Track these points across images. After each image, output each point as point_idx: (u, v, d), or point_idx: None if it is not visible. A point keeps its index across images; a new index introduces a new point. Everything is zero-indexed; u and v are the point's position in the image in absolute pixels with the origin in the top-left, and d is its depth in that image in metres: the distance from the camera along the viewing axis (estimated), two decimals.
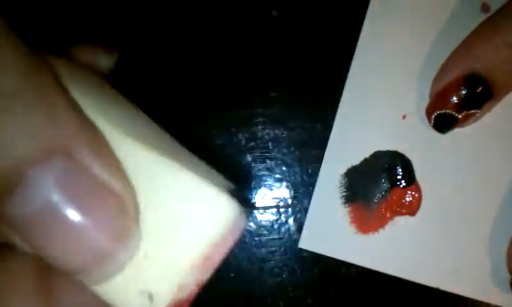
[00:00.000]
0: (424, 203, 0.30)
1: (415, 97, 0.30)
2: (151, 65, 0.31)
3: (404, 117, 0.30)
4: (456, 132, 0.29)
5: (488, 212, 0.29)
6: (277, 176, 0.32)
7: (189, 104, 0.31)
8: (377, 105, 0.30)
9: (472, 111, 0.27)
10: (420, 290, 0.30)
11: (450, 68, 0.28)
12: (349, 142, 0.30)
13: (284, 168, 0.32)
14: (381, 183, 0.30)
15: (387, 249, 0.30)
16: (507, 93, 0.28)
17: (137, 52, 0.31)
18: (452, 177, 0.30)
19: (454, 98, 0.27)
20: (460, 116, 0.27)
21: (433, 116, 0.28)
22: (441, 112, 0.28)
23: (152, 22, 0.31)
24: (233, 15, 0.31)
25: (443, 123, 0.28)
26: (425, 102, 0.30)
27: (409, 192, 0.30)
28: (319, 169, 0.31)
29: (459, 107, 0.27)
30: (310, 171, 0.31)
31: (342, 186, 0.30)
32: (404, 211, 0.30)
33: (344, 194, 0.30)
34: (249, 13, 0.31)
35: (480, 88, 0.26)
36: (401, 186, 0.30)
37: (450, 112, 0.27)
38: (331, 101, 0.31)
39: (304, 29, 0.31)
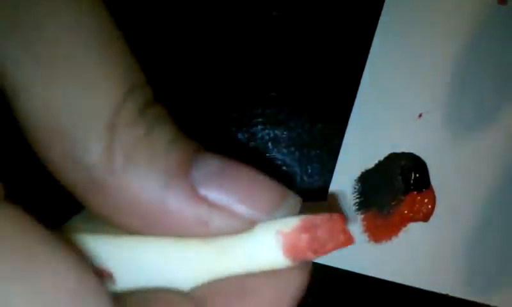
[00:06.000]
0: (436, 207, 0.28)
1: (430, 95, 0.28)
2: (150, 64, 0.27)
3: (420, 116, 0.28)
4: (475, 135, 0.28)
5: (504, 218, 0.29)
6: (277, 176, 0.29)
7: (188, 104, 0.29)
8: (393, 104, 0.28)
9: None
10: (420, 292, 0.29)
11: None
12: (363, 144, 0.28)
13: (284, 168, 0.29)
14: (395, 188, 0.28)
15: (400, 258, 0.28)
16: None
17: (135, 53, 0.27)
18: (467, 180, 0.29)
19: None
20: None
21: None
22: None
23: (150, 22, 0.28)
24: (234, 15, 0.29)
25: None
26: (441, 99, 0.28)
27: (423, 196, 0.28)
28: (318, 169, 0.29)
29: None
30: (309, 171, 0.29)
31: (355, 192, 0.28)
32: (418, 217, 0.28)
33: (357, 200, 0.28)
34: (250, 13, 0.29)
35: None
36: (416, 190, 0.28)
37: None
38: (332, 101, 0.29)
39: (304, 29, 0.29)
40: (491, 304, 0.29)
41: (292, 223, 0.15)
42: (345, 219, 0.16)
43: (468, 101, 0.28)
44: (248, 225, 0.15)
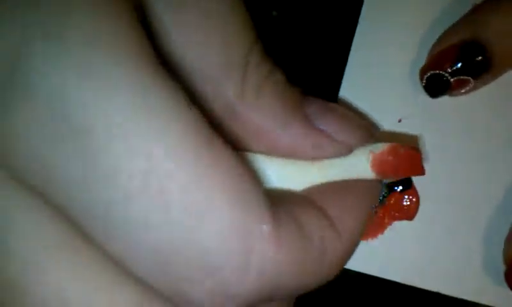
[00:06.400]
0: (421, 207, 0.30)
1: (410, 101, 0.30)
2: None
3: (399, 121, 0.30)
4: (454, 134, 0.29)
5: (486, 213, 0.29)
6: None
7: None
8: (373, 109, 0.30)
9: (466, 78, 0.27)
10: (420, 292, 0.30)
11: (452, 33, 0.27)
12: None
13: None
14: None
15: (386, 255, 0.30)
16: (505, 69, 0.28)
17: None
18: (449, 179, 0.30)
19: (450, 61, 0.27)
20: (452, 80, 0.27)
21: (425, 76, 0.28)
22: (434, 72, 0.27)
23: None
24: None
25: (434, 85, 0.28)
26: (421, 105, 0.29)
27: (406, 196, 0.29)
28: None
29: (454, 71, 0.27)
30: None
31: None
32: (402, 216, 0.29)
33: None
34: (250, 13, 0.30)
35: (479, 57, 0.26)
36: (398, 190, 0.29)
37: (443, 73, 0.27)
38: (330, 100, 0.30)
39: (305, 29, 0.30)
40: (481, 302, 0.29)
41: (381, 147, 0.21)
42: (421, 153, 0.21)
43: (447, 105, 0.30)
44: (348, 150, 0.20)
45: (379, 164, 0.21)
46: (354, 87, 0.30)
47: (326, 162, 0.20)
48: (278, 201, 0.17)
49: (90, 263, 0.15)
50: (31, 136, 0.14)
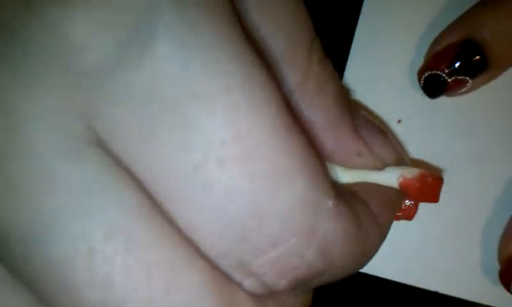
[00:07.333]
0: (420, 207, 0.30)
1: (410, 101, 0.30)
2: None
3: (399, 121, 0.30)
4: (454, 134, 0.29)
5: (486, 213, 0.30)
6: None
7: None
8: (372, 109, 0.30)
9: (463, 78, 0.27)
10: (420, 292, 0.30)
11: (449, 33, 0.28)
12: None
13: None
14: None
15: (386, 255, 0.30)
16: (504, 69, 0.28)
17: None
18: (447, 179, 0.30)
19: (447, 61, 0.27)
20: (450, 80, 0.27)
21: (423, 77, 0.28)
22: (431, 72, 0.27)
23: None
24: None
25: (432, 85, 0.28)
26: (420, 106, 0.29)
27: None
28: None
29: (451, 71, 0.27)
30: None
31: None
32: (401, 215, 0.29)
33: None
34: None
35: (476, 57, 0.26)
36: None
37: (440, 73, 0.27)
38: None
39: None
40: (481, 302, 0.29)
41: (413, 172, 0.22)
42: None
43: (447, 105, 0.30)
44: (381, 165, 0.22)
45: (406, 186, 0.22)
46: (353, 88, 0.30)
47: (361, 172, 0.21)
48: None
49: (161, 236, 0.15)
50: (131, 102, 0.14)
